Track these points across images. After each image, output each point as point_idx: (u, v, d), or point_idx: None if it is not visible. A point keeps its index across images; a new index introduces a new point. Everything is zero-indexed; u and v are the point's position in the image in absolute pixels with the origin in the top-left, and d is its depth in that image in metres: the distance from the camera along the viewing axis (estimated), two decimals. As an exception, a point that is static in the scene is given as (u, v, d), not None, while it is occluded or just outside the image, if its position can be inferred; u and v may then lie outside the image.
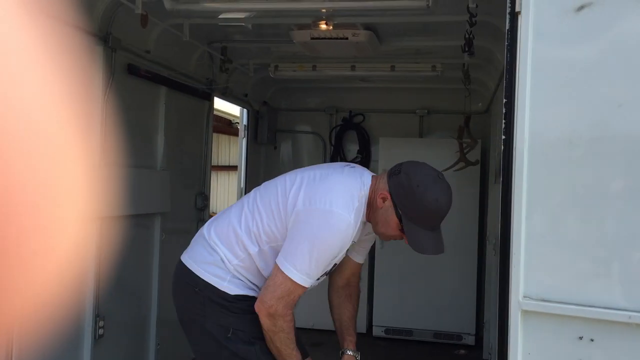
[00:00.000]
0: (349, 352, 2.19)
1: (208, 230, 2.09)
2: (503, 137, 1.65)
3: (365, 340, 5.47)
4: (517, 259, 1.57)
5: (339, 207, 1.89)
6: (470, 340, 5.43)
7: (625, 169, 1.53)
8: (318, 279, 2.01)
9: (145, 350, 3.91)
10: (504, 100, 1.66)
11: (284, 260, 1.89)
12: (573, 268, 1.57)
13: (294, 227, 1.92)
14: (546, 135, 1.58)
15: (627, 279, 1.52)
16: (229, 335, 1.98)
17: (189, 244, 2.20)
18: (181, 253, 2.17)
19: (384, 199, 1.92)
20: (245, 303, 1.99)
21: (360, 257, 2.25)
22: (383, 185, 1.94)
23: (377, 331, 5.57)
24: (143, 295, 3.86)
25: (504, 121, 1.66)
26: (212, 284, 2.00)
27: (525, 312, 1.57)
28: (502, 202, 1.64)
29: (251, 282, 2.04)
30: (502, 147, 1.65)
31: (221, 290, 1.99)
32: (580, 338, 1.52)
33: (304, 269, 1.87)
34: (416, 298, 5.40)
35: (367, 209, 1.96)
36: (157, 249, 3.96)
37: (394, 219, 1.92)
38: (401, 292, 5.30)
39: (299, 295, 1.95)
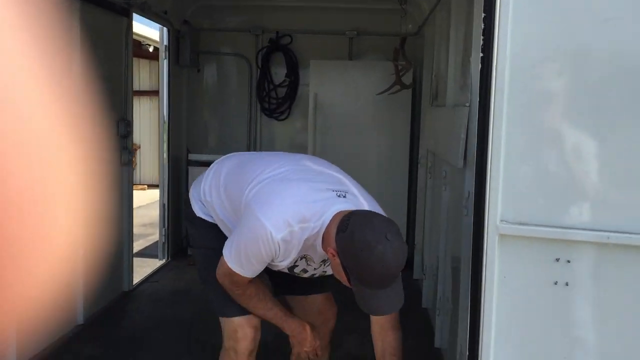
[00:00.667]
0: None
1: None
2: (481, 54, 1.56)
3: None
4: (496, 182, 1.53)
5: (269, 220, 1.75)
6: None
7: (608, 85, 1.49)
8: (298, 274, 2.01)
9: (75, 284, 3.71)
10: (483, 15, 1.56)
11: (227, 244, 1.92)
12: (551, 190, 1.54)
13: (241, 216, 1.93)
14: (528, 53, 1.51)
15: (605, 200, 1.51)
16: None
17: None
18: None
19: (332, 255, 1.75)
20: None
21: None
22: (333, 239, 1.74)
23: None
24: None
25: (482, 38, 1.56)
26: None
27: (503, 236, 1.55)
28: (480, 124, 1.57)
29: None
30: (480, 66, 1.57)
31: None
32: (557, 260, 1.52)
33: (237, 261, 1.87)
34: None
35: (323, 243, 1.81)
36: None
37: (343, 275, 1.75)
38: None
39: (246, 280, 1.92)
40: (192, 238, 2.30)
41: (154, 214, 7.06)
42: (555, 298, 1.53)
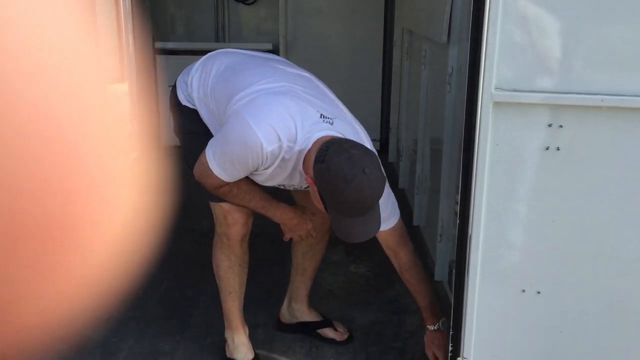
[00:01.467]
0: (429, 328, 2.08)
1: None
2: None
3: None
4: (492, 48, 1.51)
5: (260, 131, 1.66)
6: (375, 146, 5.60)
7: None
8: (281, 186, 1.95)
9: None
10: None
11: (211, 144, 1.82)
12: (545, 55, 1.53)
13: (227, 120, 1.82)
14: None
15: (599, 64, 1.51)
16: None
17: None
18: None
19: (311, 182, 1.70)
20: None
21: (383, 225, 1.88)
22: (311, 167, 1.69)
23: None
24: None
25: None
26: None
27: (497, 104, 1.55)
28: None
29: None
30: None
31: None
32: (550, 125, 1.54)
33: (220, 163, 1.78)
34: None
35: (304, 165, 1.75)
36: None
37: (320, 203, 1.71)
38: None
39: (223, 183, 1.84)
40: (176, 123, 2.18)
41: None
42: (546, 163, 1.57)
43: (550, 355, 1.77)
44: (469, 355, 1.78)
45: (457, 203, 2.47)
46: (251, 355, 2.22)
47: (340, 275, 2.99)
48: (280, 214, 1.99)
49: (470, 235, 1.70)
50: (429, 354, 2.07)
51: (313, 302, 2.70)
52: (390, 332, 2.46)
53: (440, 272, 2.90)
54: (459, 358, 1.81)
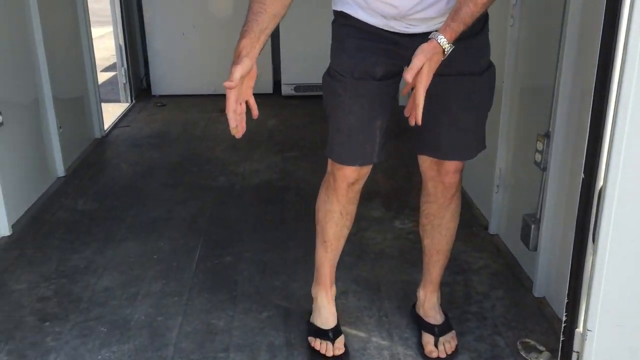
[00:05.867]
0: (439, 38, 1.39)
1: None
2: None
3: (274, 101, 5.16)
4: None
5: None
6: (383, 89, 5.30)
7: None
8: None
9: (48, 134, 3.29)
10: None
11: None
12: None
13: None
14: None
15: None
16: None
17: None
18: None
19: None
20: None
21: None
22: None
23: (286, 90, 5.24)
24: (30, 75, 3.10)
25: None
26: None
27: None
28: None
29: None
30: None
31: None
32: None
33: None
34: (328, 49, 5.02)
35: None
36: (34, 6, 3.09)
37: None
38: (311, 44, 4.82)
39: None
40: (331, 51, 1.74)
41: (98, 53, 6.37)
42: None
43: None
44: (593, 327, 1.57)
45: (538, 152, 2.23)
46: (332, 322, 1.93)
47: (387, 232, 2.75)
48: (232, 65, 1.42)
49: (602, 190, 1.46)
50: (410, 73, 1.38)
51: (365, 263, 2.47)
52: (461, 295, 2.24)
53: (496, 226, 2.69)
54: (577, 329, 1.61)
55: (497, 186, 2.64)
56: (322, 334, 1.91)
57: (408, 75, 1.37)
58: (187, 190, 3.29)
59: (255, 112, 1.48)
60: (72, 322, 2.08)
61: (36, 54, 3.12)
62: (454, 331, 1.95)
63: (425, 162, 1.80)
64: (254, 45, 1.44)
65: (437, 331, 1.92)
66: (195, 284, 2.33)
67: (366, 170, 1.75)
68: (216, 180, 3.45)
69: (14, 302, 2.21)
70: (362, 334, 1.99)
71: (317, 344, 1.89)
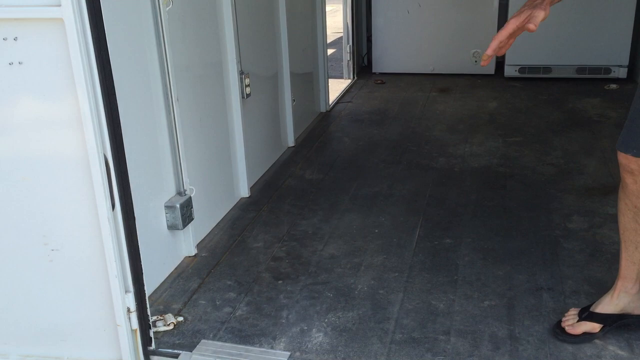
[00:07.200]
0: None
1: None
2: None
3: (497, 83, 4.98)
4: None
5: None
6: (621, 73, 4.83)
7: None
8: None
9: (283, 106, 3.55)
10: None
11: None
12: None
13: None
14: None
15: None
16: None
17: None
18: None
19: None
20: None
21: None
22: None
23: (509, 71, 5.02)
24: (272, 49, 3.36)
25: None
26: None
27: None
28: None
29: None
30: None
31: None
32: None
33: None
34: (555, 29, 4.71)
35: None
36: (281, -8, 3.34)
37: None
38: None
39: None
40: None
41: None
42: None
43: None
44: None
45: None
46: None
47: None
48: None
49: None
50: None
51: (600, 263, 2.27)
52: None
53: None
54: None
55: None
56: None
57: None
58: (406, 169, 3.33)
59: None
60: (302, 283, 2.24)
61: (279, 31, 3.37)
62: None
63: None
64: None
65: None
66: (415, 262, 2.36)
67: None
68: (435, 161, 3.44)
69: (252, 258, 2.44)
70: (597, 340, 1.86)
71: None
